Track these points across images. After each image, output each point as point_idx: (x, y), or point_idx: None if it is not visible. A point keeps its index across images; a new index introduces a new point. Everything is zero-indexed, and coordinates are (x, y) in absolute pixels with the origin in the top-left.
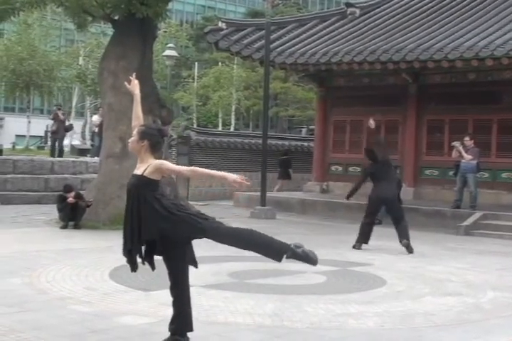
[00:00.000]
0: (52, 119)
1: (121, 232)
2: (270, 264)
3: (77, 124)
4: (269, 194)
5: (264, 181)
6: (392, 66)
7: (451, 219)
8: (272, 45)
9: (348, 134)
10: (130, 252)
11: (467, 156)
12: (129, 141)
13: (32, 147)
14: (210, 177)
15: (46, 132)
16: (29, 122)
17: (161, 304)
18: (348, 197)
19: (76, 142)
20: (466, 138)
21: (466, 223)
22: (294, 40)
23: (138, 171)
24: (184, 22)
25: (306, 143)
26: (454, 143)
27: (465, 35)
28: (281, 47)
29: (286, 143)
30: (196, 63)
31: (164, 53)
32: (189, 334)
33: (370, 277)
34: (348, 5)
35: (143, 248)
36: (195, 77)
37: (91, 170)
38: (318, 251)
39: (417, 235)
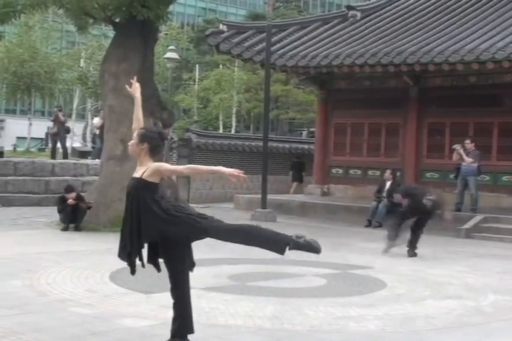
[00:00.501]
0: (53, 121)
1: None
2: (270, 267)
3: (78, 126)
4: (269, 196)
5: (264, 184)
6: (393, 69)
7: (452, 222)
8: (272, 48)
9: (349, 137)
10: (130, 255)
11: (468, 159)
12: (129, 143)
13: (33, 149)
14: (207, 172)
15: (47, 134)
16: (30, 124)
17: (162, 306)
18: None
19: (77, 144)
20: (467, 141)
21: (466, 226)
22: (295, 43)
23: (137, 174)
24: (185, 24)
25: (306, 146)
26: (454, 146)
27: (466, 38)
28: (282, 50)
29: (287, 145)
30: (197, 65)
31: (165, 56)
32: (190, 336)
33: (371, 280)
34: (349, 8)
35: (143, 251)
36: (196, 80)
37: (92, 172)
38: None
39: None
